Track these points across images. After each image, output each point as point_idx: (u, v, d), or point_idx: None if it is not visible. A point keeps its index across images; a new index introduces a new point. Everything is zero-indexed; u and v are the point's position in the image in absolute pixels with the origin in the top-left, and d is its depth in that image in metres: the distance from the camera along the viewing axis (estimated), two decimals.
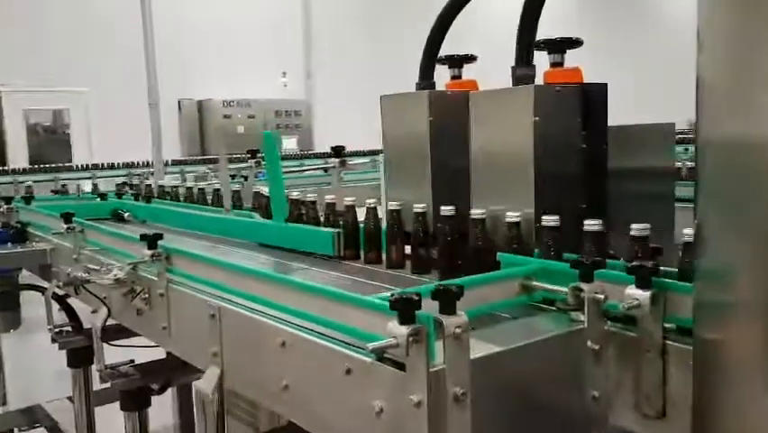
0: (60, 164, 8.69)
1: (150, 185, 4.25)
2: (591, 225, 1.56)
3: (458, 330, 1.13)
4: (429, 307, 1.14)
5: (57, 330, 3.16)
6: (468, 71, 2.30)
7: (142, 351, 2.67)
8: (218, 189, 3.40)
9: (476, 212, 1.81)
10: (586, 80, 1.89)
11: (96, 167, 8.15)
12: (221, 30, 12.20)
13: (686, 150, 7.04)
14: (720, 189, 0.96)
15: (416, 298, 1.12)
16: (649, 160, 2.05)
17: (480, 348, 1.23)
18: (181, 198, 3.73)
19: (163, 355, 2.91)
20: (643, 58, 17.65)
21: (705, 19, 0.97)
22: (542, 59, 1.96)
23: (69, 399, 3.70)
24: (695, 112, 0.98)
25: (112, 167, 8.20)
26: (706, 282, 1.02)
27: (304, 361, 1.46)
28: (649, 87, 16.05)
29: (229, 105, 12.16)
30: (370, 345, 1.12)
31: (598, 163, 1.88)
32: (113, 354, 2.64)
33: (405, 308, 1.11)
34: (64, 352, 3.26)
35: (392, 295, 1.14)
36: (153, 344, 2.35)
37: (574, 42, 1.94)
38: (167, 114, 9.53)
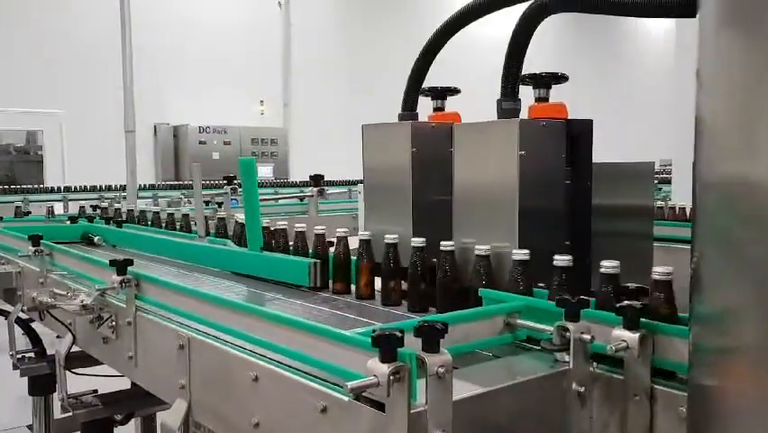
0: (32, 185, 8.52)
1: (122, 208, 4.16)
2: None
3: (441, 369, 1.08)
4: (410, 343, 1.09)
5: (19, 356, 3.05)
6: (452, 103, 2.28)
7: (107, 380, 2.58)
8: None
9: (458, 246, 1.78)
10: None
11: (67, 189, 8.00)
12: (199, 56, 12.17)
13: (659, 189, 7.12)
14: (720, 231, 0.93)
15: (399, 334, 1.06)
16: (628, 198, 2.04)
17: (462, 389, 1.18)
18: (156, 224, 3.64)
19: (128, 385, 2.82)
20: (616, 97, 17.96)
21: (706, 58, 0.95)
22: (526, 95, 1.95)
23: (29, 427, 3.57)
24: (693, 152, 0.96)
25: (84, 189, 8.05)
26: (703, 326, 0.99)
27: (277, 397, 1.39)
28: (620, 126, 16.30)
29: (205, 132, 12.07)
30: (349, 385, 1.06)
31: (583, 200, 1.86)
32: (76, 382, 2.55)
33: (387, 345, 1.06)
34: (25, 378, 3.15)
35: (374, 331, 1.09)
36: (118, 373, 2.26)
37: (560, 78, 1.93)
38: (142, 138, 9.43)
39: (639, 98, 17.93)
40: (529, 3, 1.85)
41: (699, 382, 1.00)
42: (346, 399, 1.16)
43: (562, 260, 1.56)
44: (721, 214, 0.93)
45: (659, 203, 4.46)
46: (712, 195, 0.94)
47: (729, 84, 0.91)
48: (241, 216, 2.75)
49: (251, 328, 1.54)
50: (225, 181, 5.73)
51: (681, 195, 4.96)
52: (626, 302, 1.29)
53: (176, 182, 10.35)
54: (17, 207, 5.21)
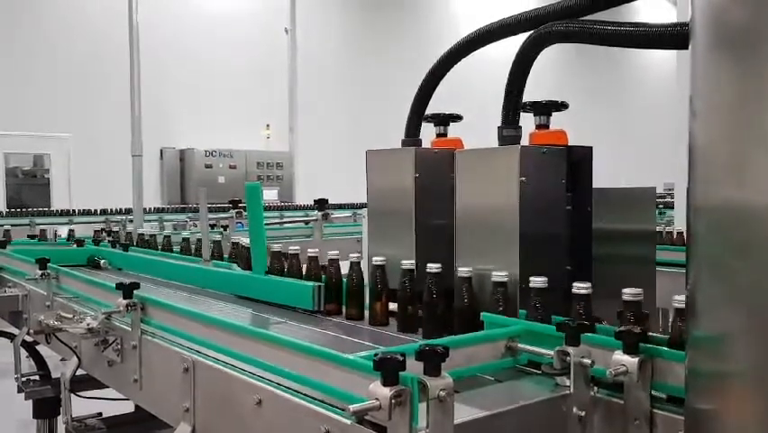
0: (38, 208, 8.59)
1: (129, 232, 4.20)
2: (579, 288, 1.54)
3: (442, 393, 1.10)
4: (411, 366, 1.11)
5: (24, 379, 3.06)
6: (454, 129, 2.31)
7: (111, 403, 2.59)
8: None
9: (460, 270, 1.79)
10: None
11: (74, 212, 8.05)
12: (206, 80, 12.29)
13: (662, 213, 7.12)
14: (714, 256, 0.95)
15: (401, 358, 1.08)
16: (631, 223, 2.05)
17: (463, 412, 1.20)
18: (159, 247, 3.66)
19: (132, 409, 2.83)
20: (620, 123, 18.02)
21: (697, 87, 0.98)
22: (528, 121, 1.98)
23: None
24: (687, 178, 0.98)
25: (90, 213, 8.11)
26: (698, 351, 1.00)
27: (280, 420, 1.41)
28: (626, 151, 16.35)
29: (211, 155, 12.16)
30: (351, 407, 1.08)
31: (583, 225, 1.88)
32: (80, 405, 2.56)
33: (389, 369, 1.08)
34: (29, 401, 3.15)
35: (376, 354, 1.10)
36: (123, 396, 2.28)
37: (560, 105, 1.96)
38: (148, 161, 9.50)
39: (644, 122, 17.99)
40: (529, 33, 1.89)
41: (696, 406, 1.01)
42: (348, 422, 1.17)
43: (535, 281, 1.61)
44: (713, 239, 0.95)
45: (666, 228, 4.48)
46: (704, 221, 0.96)
47: (720, 112, 0.94)
48: (245, 240, 2.77)
49: (254, 352, 1.55)
50: (231, 205, 5.78)
51: (683, 219, 4.97)
52: (624, 327, 1.30)
53: (181, 205, 10.42)
54: (42, 230, 5.15)
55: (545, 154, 1.84)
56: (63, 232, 5.85)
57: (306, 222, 6.53)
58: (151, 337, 1.97)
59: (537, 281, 1.63)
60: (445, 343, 1.28)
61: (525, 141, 1.91)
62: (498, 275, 1.71)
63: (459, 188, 1.95)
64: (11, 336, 3.08)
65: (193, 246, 3.45)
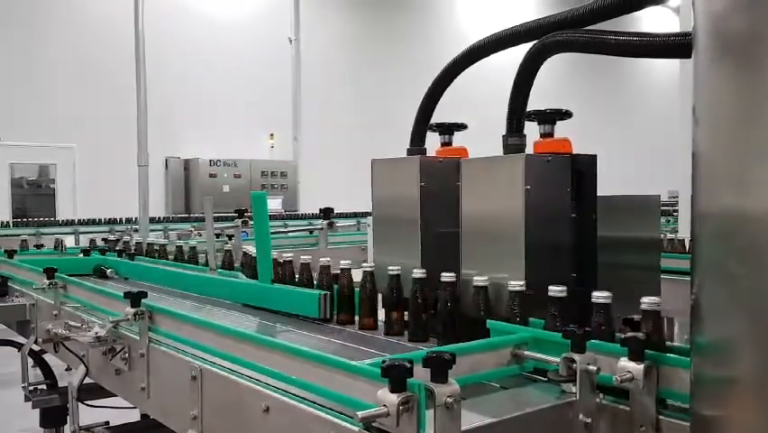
0: (44, 218, 8.62)
1: (137, 242, 4.21)
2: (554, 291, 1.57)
3: (449, 399, 1.11)
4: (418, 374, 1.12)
5: (31, 388, 3.07)
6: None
7: (118, 412, 2.60)
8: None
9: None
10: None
11: (79, 222, 8.08)
12: (210, 90, 12.34)
13: (668, 221, 7.12)
14: (717, 262, 0.96)
15: (408, 365, 1.09)
16: (635, 230, 2.06)
17: (471, 419, 1.20)
18: (170, 257, 3.67)
19: (139, 417, 2.83)
20: (624, 131, 18.03)
21: (701, 96, 0.99)
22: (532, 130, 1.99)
23: None
24: (691, 185, 0.99)
25: (95, 222, 8.13)
26: (703, 357, 1.01)
27: (288, 427, 1.41)
28: (627, 157, 16.34)
29: (215, 165, 12.20)
30: (360, 414, 1.09)
31: (588, 233, 1.89)
32: (87, 414, 2.57)
33: (396, 376, 1.09)
34: (36, 410, 3.16)
35: (384, 361, 1.11)
36: (130, 405, 2.29)
37: (564, 114, 1.97)
38: (153, 171, 9.53)
39: (648, 129, 17.99)
40: (533, 42, 1.90)
41: (701, 412, 1.02)
42: (356, 429, 1.18)
43: (555, 291, 1.61)
44: (717, 246, 0.96)
45: (669, 235, 4.48)
46: (708, 227, 0.98)
47: (723, 120, 0.95)
48: (251, 249, 2.78)
49: (262, 359, 1.56)
50: (236, 214, 5.78)
51: (687, 227, 4.96)
52: (630, 334, 1.31)
53: (186, 215, 10.45)
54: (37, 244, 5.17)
55: (550, 162, 1.85)
56: (69, 242, 5.88)
57: (311, 231, 6.54)
58: (159, 346, 1.98)
59: (515, 285, 1.67)
60: (452, 350, 1.29)
61: (529, 149, 1.92)
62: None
63: (464, 196, 1.96)
64: (18, 346, 3.09)
65: (186, 254, 3.47)
